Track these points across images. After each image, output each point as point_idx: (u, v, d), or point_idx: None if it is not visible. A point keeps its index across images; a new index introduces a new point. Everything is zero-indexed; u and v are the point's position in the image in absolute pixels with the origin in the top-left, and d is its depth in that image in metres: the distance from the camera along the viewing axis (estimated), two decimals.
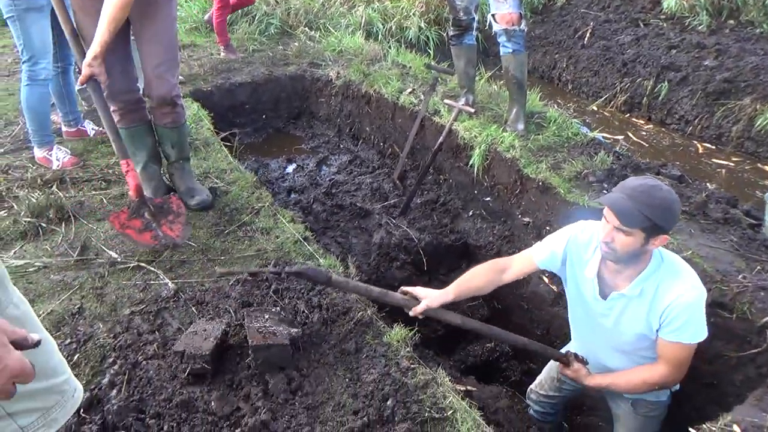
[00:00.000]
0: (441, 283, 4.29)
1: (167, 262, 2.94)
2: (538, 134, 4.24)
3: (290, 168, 5.40)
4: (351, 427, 1.98)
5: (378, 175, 5.16)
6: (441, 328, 4.18)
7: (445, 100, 4.66)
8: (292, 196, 4.96)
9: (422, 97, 4.94)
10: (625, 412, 2.59)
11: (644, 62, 6.44)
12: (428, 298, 2.37)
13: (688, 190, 3.63)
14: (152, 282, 2.77)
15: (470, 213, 4.53)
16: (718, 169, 5.33)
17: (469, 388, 3.30)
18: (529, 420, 3.45)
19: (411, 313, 2.38)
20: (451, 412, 2.08)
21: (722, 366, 2.92)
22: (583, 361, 2.44)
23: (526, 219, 3.99)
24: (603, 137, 6.06)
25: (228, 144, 4.67)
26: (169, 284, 2.75)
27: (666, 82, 6.16)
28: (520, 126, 4.29)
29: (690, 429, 2.15)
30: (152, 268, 2.86)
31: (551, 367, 2.97)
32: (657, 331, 2.12)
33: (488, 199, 4.33)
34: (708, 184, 5.10)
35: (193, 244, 3.09)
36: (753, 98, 5.43)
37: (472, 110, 4.41)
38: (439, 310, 2.40)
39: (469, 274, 2.53)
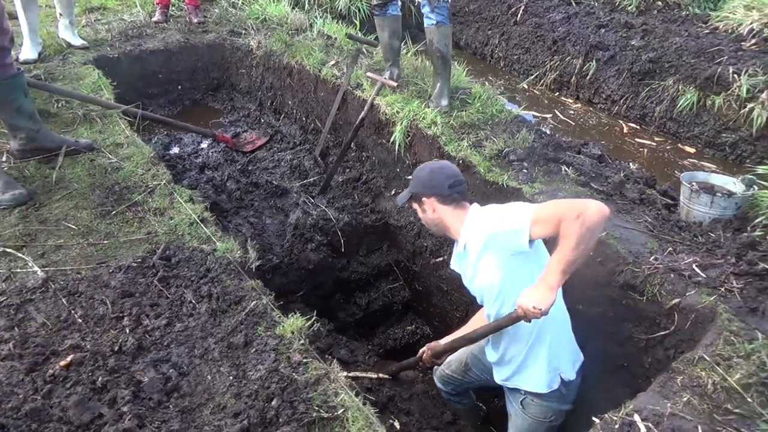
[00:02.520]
0: (360, 264, 4.14)
1: (40, 247, 2.62)
2: (462, 111, 4.09)
3: (204, 143, 5.05)
4: None
5: (299, 152, 4.90)
6: (359, 312, 4.03)
7: (368, 73, 4.43)
8: (206, 173, 4.64)
9: (345, 70, 4.69)
10: (515, 411, 2.51)
11: (574, 41, 6.40)
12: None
13: (607, 169, 3.58)
14: (18, 270, 2.45)
15: (393, 192, 4.35)
16: (641, 149, 5.37)
17: (381, 375, 3.16)
18: (444, 406, 3.37)
19: (425, 363, 2.87)
20: (342, 410, 1.90)
21: (632, 348, 2.89)
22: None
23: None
24: (533, 115, 6.03)
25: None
26: (38, 272, 2.44)
27: (594, 61, 6.14)
28: (444, 102, 4.13)
29: (593, 418, 2.07)
30: (21, 255, 2.53)
31: (464, 352, 2.87)
32: (513, 245, 2.13)
33: (410, 177, 4.15)
34: (630, 163, 5.12)
35: (73, 226, 2.77)
36: (675, 79, 5.48)
37: (395, 84, 4.21)
38: (440, 345, 2.76)
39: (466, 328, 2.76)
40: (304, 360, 2.07)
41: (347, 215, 4.07)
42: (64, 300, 2.32)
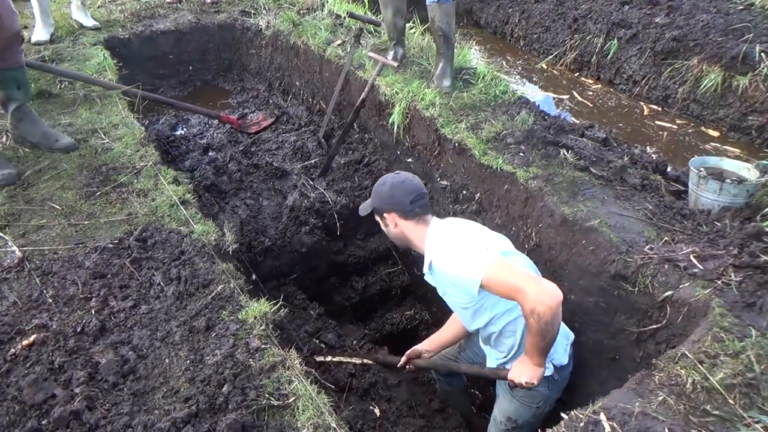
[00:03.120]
0: (357, 248, 4.09)
1: (22, 227, 2.65)
2: (464, 91, 3.95)
3: (211, 124, 5.04)
4: (174, 418, 1.76)
5: (303, 133, 4.85)
6: (356, 296, 3.99)
7: (369, 53, 4.33)
8: (210, 154, 4.64)
9: (349, 49, 4.60)
10: (503, 392, 2.48)
11: (595, 18, 6.13)
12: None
13: (610, 153, 3.41)
14: None
15: None
16: (660, 132, 5.13)
17: (365, 361, 3.12)
18: (433, 393, 3.31)
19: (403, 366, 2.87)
20: (293, 398, 1.86)
21: (624, 341, 2.76)
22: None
23: (444, 182, 3.75)
24: (553, 97, 5.83)
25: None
26: (16, 252, 2.46)
27: (616, 40, 5.88)
28: (447, 83, 4.00)
29: (562, 414, 1.98)
30: (1, 234, 2.56)
31: None
32: (464, 294, 2.20)
33: (410, 160, 4.07)
34: (647, 147, 4.92)
35: (57, 206, 2.79)
36: (700, 58, 5.19)
37: (395, 64, 4.11)
38: (422, 362, 2.82)
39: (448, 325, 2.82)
40: (263, 346, 2.03)
41: (345, 198, 4.01)
42: (37, 279, 2.34)
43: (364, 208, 2.47)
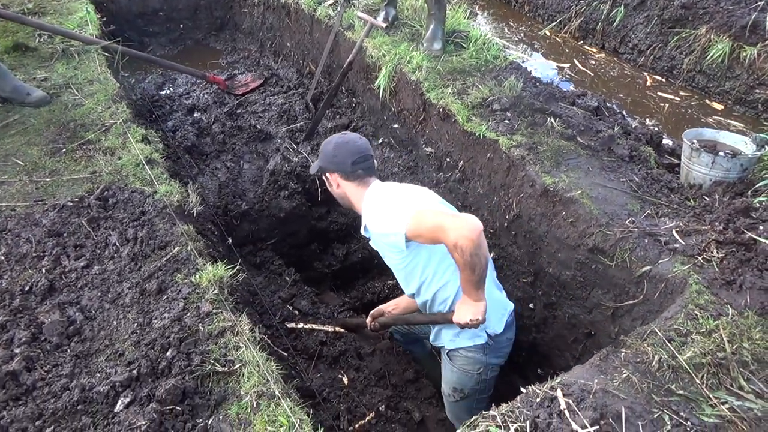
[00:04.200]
0: (340, 215, 4.00)
1: None
2: (454, 55, 3.80)
3: (198, 85, 4.92)
4: (114, 381, 1.70)
5: (291, 96, 4.72)
6: (336, 263, 3.92)
7: (359, 13, 4.16)
8: (195, 114, 4.53)
9: (338, 9, 4.42)
10: (444, 363, 2.46)
11: None
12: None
13: (600, 123, 3.27)
14: None
15: (380, 140, 4.14)
16: (662, 104, 4.94)
17: (336, 329, 3.06)
18: (408, 363, 3.25)
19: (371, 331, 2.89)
20: (239, 365, 1.79)
21: (600, 316, 2.68)
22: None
23: (429, 149, 3.63)
24: (557, 66, 5.63)
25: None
26: None
27: (622, 7, 5.63)
28: (437, 45, 3.84)
29: (521, 388, 1.90)
30: None
31: None
32: (393, 247, 2.17)
33: (396, 125, 3.94)
34: (647, 119, 4.76)
35: (21, 162, 2.71)
36: (709, 27, 4.95)
37: (383, 25, 3.95)
38: (384, 318, 2.79)
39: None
40: (214, 311, 1.96)
41: None
42: None
43: (313, 168, 2.44)
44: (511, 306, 2.44)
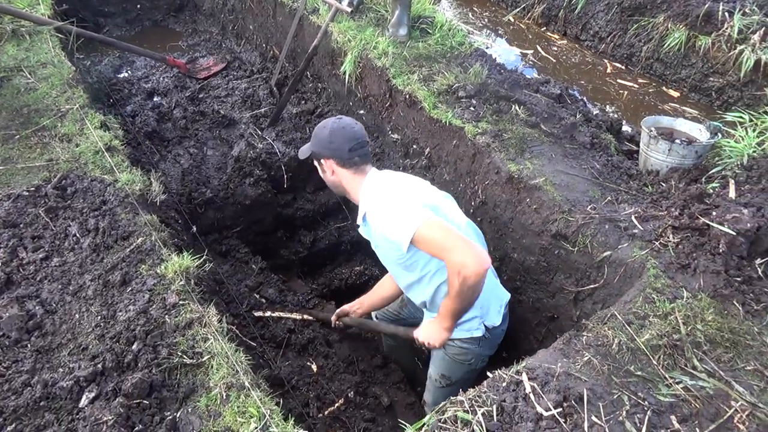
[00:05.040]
0: (306, 202, 3.97)
1: None
2: (419, 41, 3.79)
3: (158, 68, 4.78)
4: (77, 376, 1.66)
5: (255, 80, 4.63)
6: (303, 250, 3.90)
7: None
8: (155, 99, 4.41)
9: None
10: (437, 349, 2.42)
11: None
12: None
13: (563, 110, 3.33)
14: None
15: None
16: (621, 91, 5.06)
17: (305, 317, 3.06)
18: (376, 350, 3.28)
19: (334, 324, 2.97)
20: (207, 357, 1.78)
21: (562, 300, 2.75)
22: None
23: (395, 136, 3.63)
24: (522, 53, 5.68)
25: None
26: None
27: None
28: (402, 31, 3.82)
29: (488, 373, 1.95)
30: None
31: None
32: (394, 250, 2.15)
33: (362, 111, 3.92)
34: (607, 106, 4.86)
35: None
36: (666, 16, 5.08)
37: (348, 9, 3.90)
38: (350, 320, 2.89)
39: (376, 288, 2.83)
40: (181, 302, 1.93)
41: (294, 149, 3.86)
42: None
43: (303, 152, 2.36)
44: (507, 297, 2.47)
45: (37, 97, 2.96)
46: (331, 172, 2.26)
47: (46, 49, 3.48)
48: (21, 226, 2.23)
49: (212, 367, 1.76)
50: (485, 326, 2.34)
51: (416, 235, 1.96)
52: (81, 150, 2.64)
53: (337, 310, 2.96)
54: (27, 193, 2.37)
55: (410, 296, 2.47)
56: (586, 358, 1.92)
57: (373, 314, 3.01)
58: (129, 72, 4.72)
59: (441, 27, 3.91)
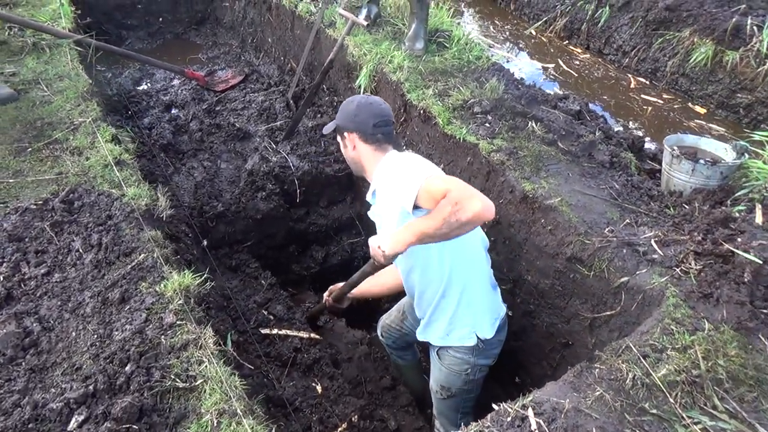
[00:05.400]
0: (320, 216, 3.93)
1: None
2: (436, 55, 3.74)
3: (177, 80, 4.81)
4: (68, 398, 1.63)
5: (272, 93, 4.62)
6: (315, 266, 3.86)
7: (340, 10, 4.08)
8: (172, 111, 4.43)
9: (320, 5, 4.34)
10: (433, 361, 2.41)
11: None
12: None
13: (582, 127, 3.23)
14: None
15: None
16: (645, 107, 4.93)
17: (312, 336, 3.00)
18: (385, 370, 3.21)
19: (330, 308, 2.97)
20: (201, 381, 1.73)
21: (577, 326, 2.64)
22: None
23: (409, 151, 3.56)
24: (543, 67, 5.59)
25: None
26: None
27: (608, 7, 5.61)
28: (419, 45, 3.77)
29: (493, 405, 1.86)
30: None
31: (402, 301, 2.81)
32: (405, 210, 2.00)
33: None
34: (630, 122, 4.74)
35: None
36: (692, 30, 4.95)
37: (365, 23, 3.87)
38: (337, 287, 2.82)
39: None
40: (178, 322, 1.89)
41: (308, 164, 3.82)
42: None
43: (328, 127, 2.35)
44: (503, 310, 2.40)
45: (52, 110, 2.98)
46: (353, 146, 2.24)
47: (64, 62, 3.51)
48: (26, 240, 2.22)
49: (205, 391, 1.70)
50: (477, 337, 2.27)
51: (421, 189, 1.87)
52: (91, 163, 2.64)
53: (330, 287, 2.94)
54: (35, 207, 2.36)
55: (407, 288, 2.41)
56: (597, 393, 1.82)
57: (379, 332, 2.95)
58: (148, 84, 4.75)
59: (458, 41, 3.85)
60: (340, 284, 2.78)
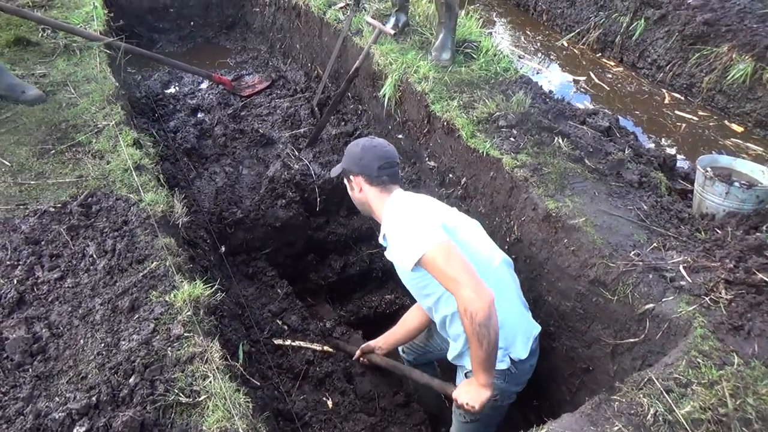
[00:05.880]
0: (339, 226, 3.89)
1: None
2: (462, 66, 3.67)
3: (204, 84, 4.84)
4: (70, 409, 1.61)
5: (297, 100, 4.61)
6: (333, 275, 3.81)
7: (367, 18, 4.05)
8: (198, 115, 4.45)
9: (348, 13, 4.31)
10: (460, 381, 2.33)
11: None
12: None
13: (611, 144, 3.12)
14: None
15: None
16: (679, 123, 4.77)
17: (325, 348, 2.96)
18: (400, 386, 3.14)
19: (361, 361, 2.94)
20: (205, 396, 1.69)
21: (599, 352, 2.54)
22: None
23: (432, 163, 3.51)
24: (575, 80, 5.48)
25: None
26: None
27: (643, 20, 5.46)
28: (446, 55, 3.71)
29: None
30: None
31: None
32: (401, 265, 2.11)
33: (400, 136, 3.82)
34: (663, 139, 4.59)
35: (7, 162, 2.64)
36: (731, 45, 4.78)
37: (392, 32, 3.83)
38: (375, 357, 2.84)
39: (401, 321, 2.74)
40: (186, 334, 1.86)
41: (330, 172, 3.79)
42: None
43: (335, 170, 2.43)
44: (537, 329, 2.35)
45: (77, 113, 3.00)
46: (359, 189, 2.30)
47: (93, 64, 3.55)
48: (42, 243, 2.23)
49: (208, 407, 1.67)
50: (511, 359, 2.21)
51: (424, 257, 1.94)
52: (111, 167, 2.64)
53: (362, 346, 2.88)
54: (53, 210, 2.37)
55: (433, 318, 2.37)
56: (616, 428, 1.73)
57: (400, 348, 2.89)
58: (176, 87, 4.79)
59: (486, 52, 3.78)
60: (375, 345, 2.82)
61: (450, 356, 2.38)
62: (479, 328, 1.80)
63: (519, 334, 2.24)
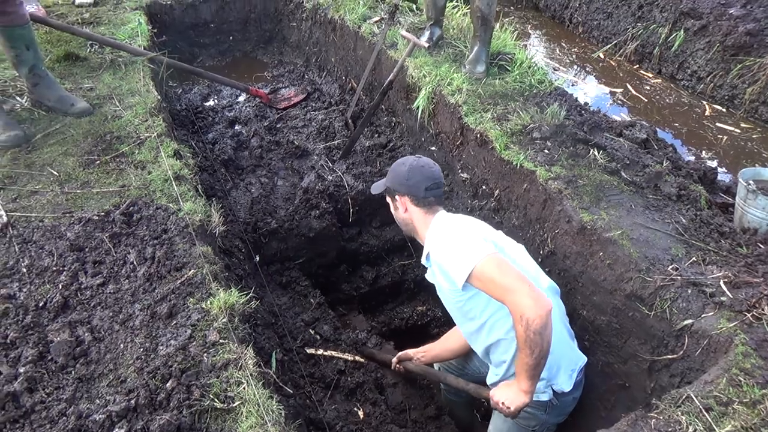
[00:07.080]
0: (372, 237, 3.92)
1: (16, 191, 2.62)
2: (496, 78, 3.67)
3: (242, 97, 4.96)
4: (110, 411, 1.66)
5: (332, 112, 4.68)
6: (365, 286, 3.84)
7: (402, 32, 4.09)
8: (235, 127, 4.56)
9: (383, 27, 4.37)
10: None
11: (662, 6, 5.62)
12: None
13: (648, 157, 3.07)
14: None
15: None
16: (720, 135, 4.66)
17: (356, 358, 2.97)
18: (431, 398, 3.14)
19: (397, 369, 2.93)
20: (239, 402, 1.73)
21: (635, 368, 2.49)
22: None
23: (464, 175, 3.50)
24: (612, 92, 5.40)
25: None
26: (3, 216, 2.43)
27: (682, 31, 5.37)
28: (480, 68, 3.72)
29: None
30: None
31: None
32: (449, 285, 2.09)
33: (433, 148, 3.84)
34: (703, 152, 4.49)
35: (55, 172, 2.75)
36: None
37: (426, 45, 3.86)
38: (412, 365, 2.83)
39: (444, 338, 2.73)
40: (221, 341, 1.90)
41: (362, 183, 3.83)
42: (16, 247, 2.30)
43: (377, 187, 2.40)
44: (583, 361, 2.29)
45: (121, 125, 3.12)
46: (404, 209, 2.27)
47: (137, 78, 3.68)
48: (86, 250, 2.31)
49: (242, 413, 1.70)
50: (553, 390, 2.16)
51: (475, 270, 1.88)
52: (152, 177, 2.73)
53: (399, 354, 2.88)
54: (97, 218, 2.46)
55: (473, 347, 2.35)
56: None
57: (436, 365, 2.87)
58: (215, 100, 4.92)
59: (521, 64, 3.77)
60: (414, 354, 2.81)
61: (489, 381, 2.34)
62: (533, 336, 1.75)
63: (563, 365, 2.19)
